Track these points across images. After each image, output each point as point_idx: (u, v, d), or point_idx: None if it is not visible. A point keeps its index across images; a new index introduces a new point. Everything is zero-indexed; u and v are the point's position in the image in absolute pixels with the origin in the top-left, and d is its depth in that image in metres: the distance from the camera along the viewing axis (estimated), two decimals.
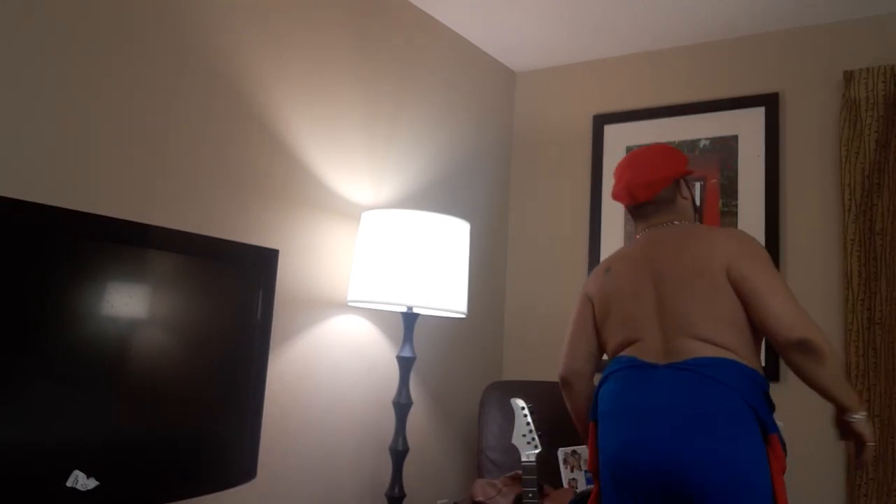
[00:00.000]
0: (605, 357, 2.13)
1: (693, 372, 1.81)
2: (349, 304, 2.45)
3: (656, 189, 2.06)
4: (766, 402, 1.83)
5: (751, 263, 1.87)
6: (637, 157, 2.12)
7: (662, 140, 3.15)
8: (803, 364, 1.78)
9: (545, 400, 2.80)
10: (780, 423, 1.85)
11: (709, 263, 1.89)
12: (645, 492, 1.80)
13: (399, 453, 2.41)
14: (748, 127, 3.01)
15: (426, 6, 2.96)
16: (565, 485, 2.64)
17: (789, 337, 1.77)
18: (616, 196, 2.14)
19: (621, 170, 2.13)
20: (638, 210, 2.12)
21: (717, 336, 1.84)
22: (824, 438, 2.69)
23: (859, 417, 1.82)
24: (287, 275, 2.34)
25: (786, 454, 1.81)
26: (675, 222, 2.08)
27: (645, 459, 1.79)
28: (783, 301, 1.81)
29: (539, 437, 2.29)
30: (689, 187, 2.16)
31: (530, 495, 2.23)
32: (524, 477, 2.25)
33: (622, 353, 1.98)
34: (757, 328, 1.87)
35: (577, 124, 3.40)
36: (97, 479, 1.50)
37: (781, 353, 1.81)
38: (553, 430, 2.70)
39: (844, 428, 1.85)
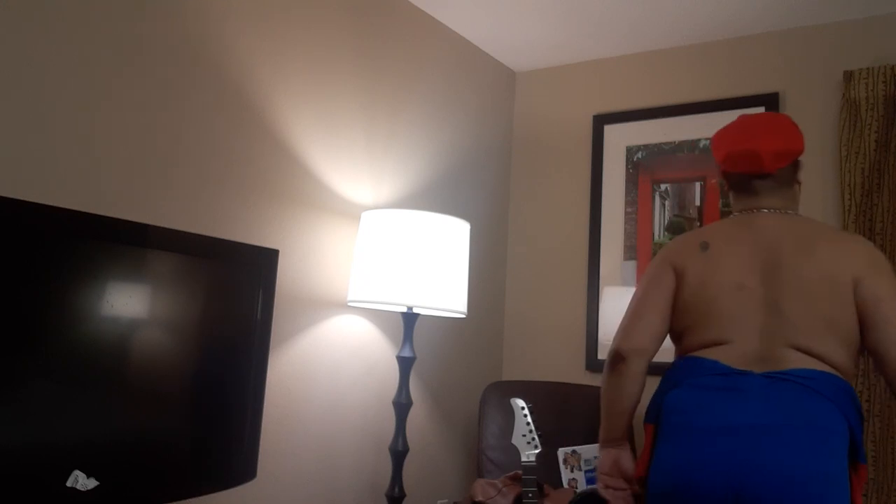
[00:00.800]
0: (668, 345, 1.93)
1: (795, 383, 1.65)
2: (349, 304, 2.45)
3: (784, 161, 1.83)
4: (861, 424, 1.71)
5: (885, 283, 1.71)
6: (767, 121, 1.87)
7: (663, 140, 3.16)
8: None
9: (545, 400, 2.81)
10: None
11: (836, 272, 1.72)
12: None
13: (399, 453, 2.41)
14: None
15: (426, 6, 2.96)
16: (565, 485, 2.64)
17: None
18: (733, 157, 1.86)
19: (743, 131, 1.86)
20: (752, 182, 1.87)
21: (829, 352, 1.69)
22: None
23: None
24: (287, 275, 2.34)
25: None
26: (790, 211, 1.86)
27: (725, 484, 1.60)
28: None
29: (539, 437, 2.29)
30: (800, 175, 1.95)
31: (530, 495, 2.23)
32: (524, 477, 2.25)
33: (701, 355, 1.77)
34: (871, 353, 1.72)
35: (577, 124, 3.40)
36: (97, 479, 1.50)
37: (891, 381, 1.69)
38: (553, 430, 2.70)
39: None
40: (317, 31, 2.49)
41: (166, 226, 2.00)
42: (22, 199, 1.54)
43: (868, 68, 2.73)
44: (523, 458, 2.26)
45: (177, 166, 2.05)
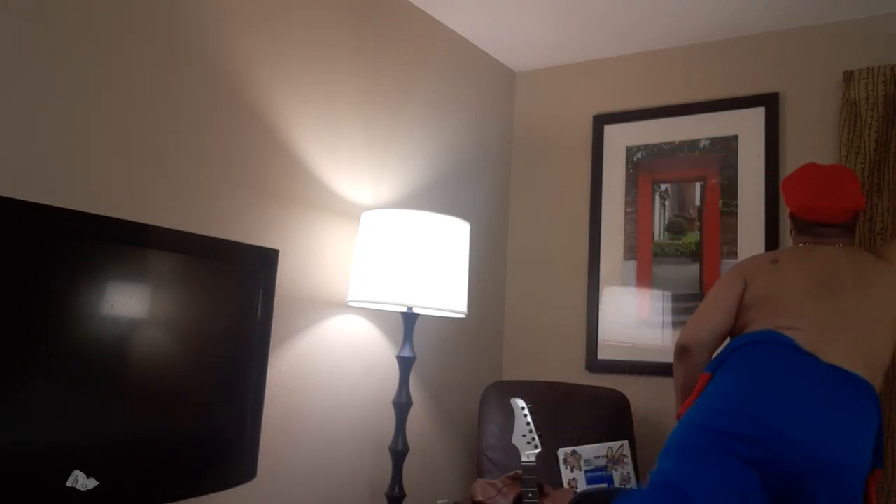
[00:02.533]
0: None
1: (854, 382, 1.85)
2: (349, 304, 2.45)
3: (850, 216, 2.15)
4: (882, 436, 1.91)
5: None
6: (838, 178, 2.17)
7: (663, 140, 3.16)
8: None
9: (545, 400, 2.80)
10: None
11: (885, 313, 1.97)
12: (757, 455, 1.75)
13: (399, 453, 2.41)
14: (748, 127, 3.01)
15: (426, 6, 2.96)
16: (565, 485, 2.64)
17: None
18: (808, 210, 2.16)
19: (818, 187, 2.16)
20: (822, 229, 2.17)
21: (875, 363, 1.91)
22: None
23: None
24: (287, 275, 2.34)
25: None
26: (849, 245, 2.16)
27: (782, 432, 1.75)
28: None
29: (539, 437, 2.29)
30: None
31: (530, 495, 2.23)
32: (524, 477, 2.25)
33: (777, 330, 1.96)
34: None
35: (577, 124, 3.40)
36: (97, 479, 1.50)
37: None
38: (553, 430, 2.70)
39: None
40: (317, 31, 2.49)
41: (166, 226, 2.00)
42: (22, 199, 1.54)
43: (868, 68, 2.73)
44: (523, 458, 2.26)
45: (177, 166, 2.05)
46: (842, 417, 1.78)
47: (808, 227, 2.20)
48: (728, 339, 2.15)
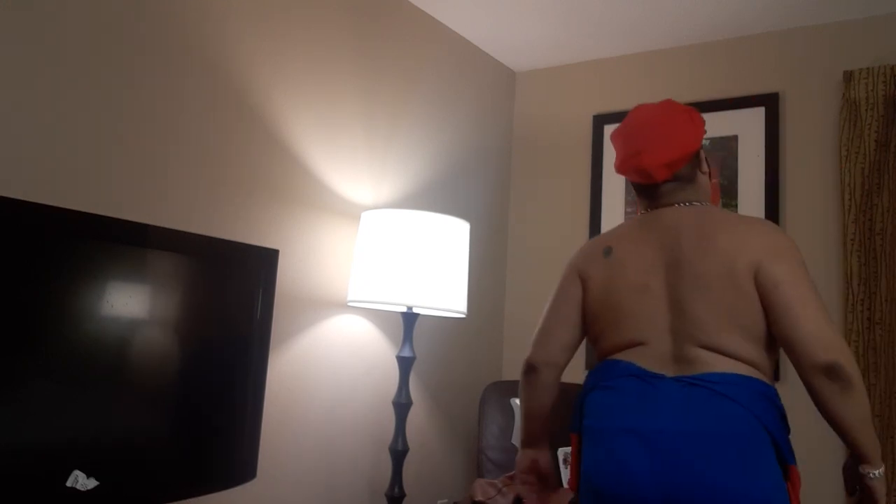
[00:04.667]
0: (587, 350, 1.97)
1: (705, 388, 1.59)
2: (349, 304, 2.45)
3: (678, 166, 1.75)
4: (784, 427, 1.62)
5: (786, 268, 1.62)
6: (648, 125, 1.77)
7: None
8: (828, 391, 1.53)
9: None
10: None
11: (735, 263, 1.63)
12: None
13: (399, 453, 2.41)
14: (748, 127, 3.01)
15: (426, 6, 2.96)
16: (565, 485, 2.64)
17: (819, 359, 1.53)
18: (622, 171, 1.83)
19: (628, 140, 1.80)
20: (651, 189, 1.81)
21: (737, 347, 1.62)
22: (824, 439, 2.68)
23: (877, 475, 1.57)
24: (287, 275, 2.34)
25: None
26: (695, 203, 1.79)
27: (646, 490, 1.56)
28: (817, 316, 1.56)
29: None
30: (707, 160, 1.86)
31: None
32: None
33: (618, 357, 1.73)
34: (778, 342, 1.63)
35: (577, 124, 3.40)
36: (97, 479, 1.50)
37: (804, 375, 1.57)
38: (553, 430, 2.70)
39: (855, 479, 1.62)
40: (317, 31, 2.49)
41: (166, 226, 2.00)
42: (22, 199, 1.54)
43: (868, 68, 2.73)
44: None
45: (177, 166, 2.05)
46: (692, 447, 1.54)
47: (643, 194, 1.84)
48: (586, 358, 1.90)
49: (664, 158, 1.74)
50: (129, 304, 1.59)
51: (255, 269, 1.91)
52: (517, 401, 2.32)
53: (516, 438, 2.28)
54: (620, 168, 1.82)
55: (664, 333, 1.68)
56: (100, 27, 1.87)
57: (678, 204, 1.79)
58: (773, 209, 2.90)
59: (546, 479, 1.94)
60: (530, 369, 1.88)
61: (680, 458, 1.54)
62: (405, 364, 2.44)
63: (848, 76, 2.76)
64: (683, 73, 3.18)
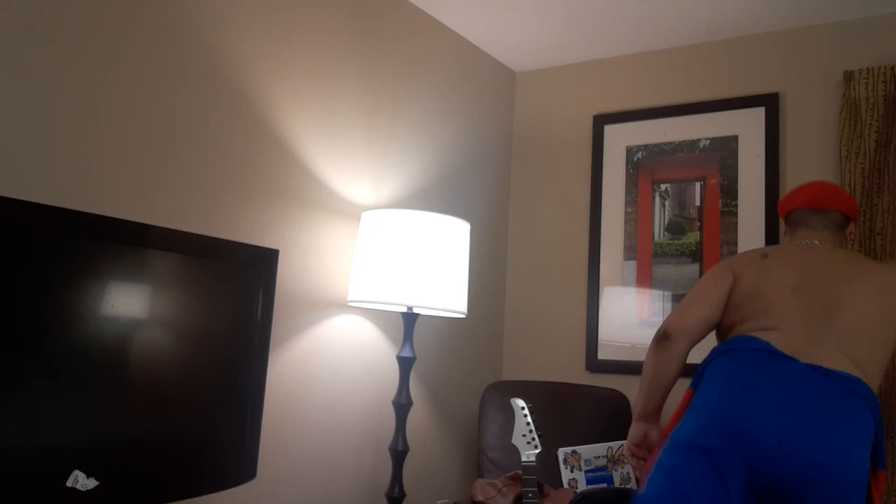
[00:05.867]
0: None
1: (838, 381, 1.75)
2: (349, 304, 2.45)
3: (840, 206, 2.13)
4: (882, 433, 1.83)
5: None
6: (830, 184, 2.20)
7: (663, 140, 3.16)
8: None
9: (545, 400, 2.81)
10: None
11: (886, 292, 1.91)
12: (747, 469, 1.67)
13: (399, 453, 2.41)
14: (748, 127, 3.01)
15: (426, 6, 2.96)
16: (565, 485, 2.64)
17: None
18: (796, 197, 2.17)
19: (812, 184, 2.19)
20: (806, 217, 2.15)
21: (867, 359, 1.84)
22: None
23: None
24: (287, 275, 2.34)
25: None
26: (837, 247, 2.11)
27: (774, 442, 1.66)
28: None
29: (539, 437, 2.29)
30: (853, 234, 2.23)
31: (530, 495, 2.23)
32: (524, 477, 2.25)
33: (755, 335, 1.89)
34: None
35: (577, 124, 3.40)
36: (97, 479, 1.50)
37: None
38: (553, 430, 2.70)
39: None
40: (317, 30, 2.49)
41: (166, 226, 2.00)
42: (22, 199, 1.54)
43: (868, 68, 2.73)
44: (523, 458, 2.26)
45: (177, 166, 2.05)
46: (823, 420, 1.68)
47: (797, 222, 2.17)
48: (713, 335, 2.10)
49: (837, 194, 2.15)
50: (129, 304, 1.59)
51: (255, 269, 1.91)
52: (518, 400, 2.32)
53: (516, 439, 2.28)
54: (795, 197, 2.18)
55: (801, 327, 1.87)
56: (99, 27, 1.87)
57: (822, 242, 2.10)
58: (773, 209, 2.90)
59: (651, 453, 2.08)
60: (664, 336, 2.00)
61: (811, 430, 1.66)
62: (405, 364, 2.44)
63: (848, 76, 2.76)
64: (683, 73, 3.18)
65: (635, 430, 2.07)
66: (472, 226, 3.23)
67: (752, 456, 1.67)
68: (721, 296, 2.02)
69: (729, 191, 3.01)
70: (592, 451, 2.70)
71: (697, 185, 3.07)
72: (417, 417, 2.86)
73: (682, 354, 1.99)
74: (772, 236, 2.89)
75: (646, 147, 3.20)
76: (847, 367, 1.80)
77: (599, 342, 3.17)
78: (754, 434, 1.68)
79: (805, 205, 2.15)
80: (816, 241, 2.11)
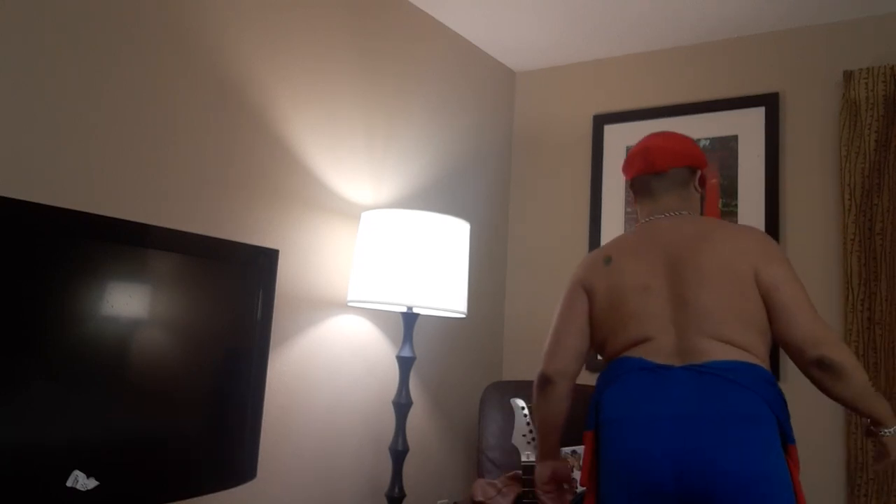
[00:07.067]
0: (598, 357, 2.04)
1: (715, 375, 1.69)
2: (349, 304, 2.45)
3: (677, 161, 1.93)
4: (786, 410, 1.74)
5: (782, 271, 1.78)
6: (664, 133, 2.02)
7: None
8: (824, 380, 1.71)
9: None
10: None
11: (735, 261, 1.78)
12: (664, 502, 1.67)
13: (399, 453, 2.41)
14: (748, 127, 3.01)
15: (426, 6, 2.96)
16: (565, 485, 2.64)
17: (811, 356, 1.71)
18: (629, 160, 2.00)
19: (643, 140, 2.01)
20: (647, 183, 1.97)
21: (740, 337, 1.74)
22: (824, 438, 2.69)
23: (888, 432, 1.74)
24: (287, 275, 2.34)
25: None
26: (684, 212, 1.94)
27: (667, 470, 1.65)
28: (810, 315, 1.74)
29: None
30: (702, 183, 2.02)
31: (530, 495, 2.23)
32: (524, 477, 2.25)
33: (626, 355, 1.82)
34: (775, 338, 1.78)
35: (577, 124, 3.40)
36: (97, 479, 1.50)
37: (801, 367, 1.75)
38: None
39: (874, 439, 1.80)
40: (317, 30, 2.49)
41: (166, 226, 2.00)
42: (22, 199, 1.54)
43: (868, 68, 2.73)
44: (523, 458, 2.26)
45: (177, 166, 2.05)
46: (712, 429, 1.63)
47: (639, 188, 1.99)
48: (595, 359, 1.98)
49: (670, 147, 1.95)
50: (129, 304, 1.59)
51: (255, 269, 1.90)
52: (518, 401, 2.32)
53: (516, 439, 2.28)
54: (627, 159, 2.01)
55: (668, 327, 1.79)
56: (99, 27, 1.87)
57: (667, 214, 1.94)
58: (773, 209, 2.90)
59: (565, 486, 2.05)
60: (545, 381, 1.95)
61: (697, 441, 1.64)
62: (405, 364, 2.44)
63: (848, 76, 2.76)
64: (683, 73, 3.18)
65: (541, 470, 2.02)
66: (472, 226, 3.23)
67: (662, 490, 1.66)
68: (582, 320, 1.94)
69: (729, 191, 3.01)
70: None
71: None
72: (417, 417, 2.86)
73: (567, 393, 1.95)
74: (772, 236, 2.89)
75: None
76: (721, 353, 1.72)
77: None
78: (668, 475, 1.65)
79: (642, 170, 1.97)
80: (662, 215, 1.94)
